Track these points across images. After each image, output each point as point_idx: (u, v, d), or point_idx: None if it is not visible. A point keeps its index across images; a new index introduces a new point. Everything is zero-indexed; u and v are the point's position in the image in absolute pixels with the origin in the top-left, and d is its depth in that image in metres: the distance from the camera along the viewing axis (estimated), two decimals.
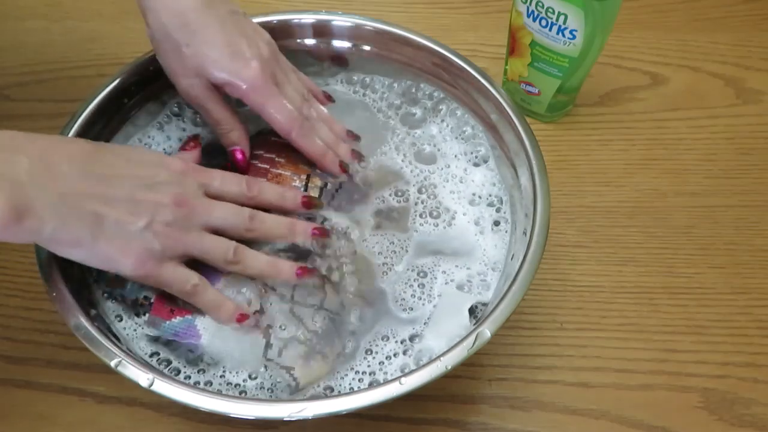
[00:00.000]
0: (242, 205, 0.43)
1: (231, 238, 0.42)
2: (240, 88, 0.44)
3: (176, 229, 0.39)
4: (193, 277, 0.41)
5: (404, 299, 0.44)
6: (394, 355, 0.43)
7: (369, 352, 0.43)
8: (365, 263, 0.46)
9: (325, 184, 0.48)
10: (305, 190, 0.47)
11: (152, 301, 0.42)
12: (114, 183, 0.38)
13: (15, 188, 0.34)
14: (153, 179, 0.40)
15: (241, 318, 0.42)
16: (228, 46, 0.44)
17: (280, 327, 0.43)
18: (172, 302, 0.42)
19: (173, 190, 0.40)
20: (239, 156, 0.47)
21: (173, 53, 0.44)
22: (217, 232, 0.42)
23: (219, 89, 0.46)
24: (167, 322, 0.42)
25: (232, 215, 0.42)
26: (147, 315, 0.42)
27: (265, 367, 0.42)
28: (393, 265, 0.46)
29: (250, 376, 0.42)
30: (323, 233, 0.45)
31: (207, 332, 0.42)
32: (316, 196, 0.47)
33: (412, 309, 0.44)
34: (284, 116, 0.46)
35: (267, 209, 0.44)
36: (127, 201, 0.38)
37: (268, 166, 0.48)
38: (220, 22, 0.44)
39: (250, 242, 0.43)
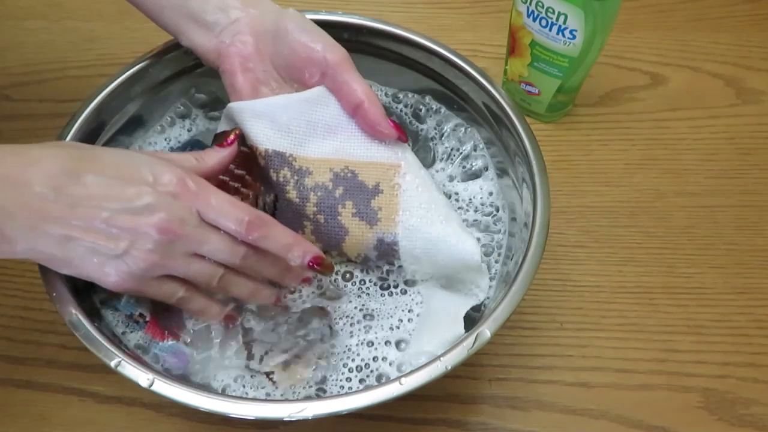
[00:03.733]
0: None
1: None
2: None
3: (159, 255, 0.37)
4: (178, 291, 0.40)
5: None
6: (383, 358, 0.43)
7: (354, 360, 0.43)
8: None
9: (275, 198, 0.45)
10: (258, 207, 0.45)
11: (147, 319, 0.42)
12: (90, 205, 0.36)
13: None
14: (137, 201, 0.36)
15: (227, 319, 0.42)
16: None
17: (261, 340, 0.43)
18: (166, 324, 0.43)
19: (158, 215, 0.36)
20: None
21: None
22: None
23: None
24: (160, 343, 0.42)
25: (225, 252, 0.39)
26: (141, 332, 0.43)
27: (251, 376, 0.42)
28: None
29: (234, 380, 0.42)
30: (323, 267, 0.41)
31: (193, 357, 0.43)
32: (269, 212, 0.45)
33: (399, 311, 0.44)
34: None
35: None
36: (104, 225, 0.36)
37: (239, 185, 0.45)
38: None
39: None
